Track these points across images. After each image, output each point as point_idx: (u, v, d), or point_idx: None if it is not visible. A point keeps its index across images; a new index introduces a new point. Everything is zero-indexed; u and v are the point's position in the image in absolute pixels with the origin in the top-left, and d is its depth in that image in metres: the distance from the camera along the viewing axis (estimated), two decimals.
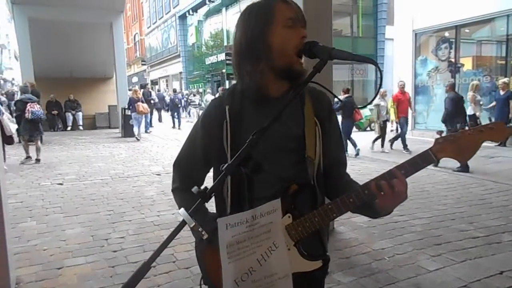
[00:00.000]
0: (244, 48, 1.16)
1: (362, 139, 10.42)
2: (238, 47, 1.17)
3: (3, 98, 17.30)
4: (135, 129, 12.34)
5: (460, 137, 1.02)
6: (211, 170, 1.26)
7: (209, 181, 1.16)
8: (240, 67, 1.18)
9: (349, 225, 4.13)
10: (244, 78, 1.17)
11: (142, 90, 16.23)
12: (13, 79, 37.89)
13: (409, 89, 12.17)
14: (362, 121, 13.86)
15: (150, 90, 18.17)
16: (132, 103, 12.30)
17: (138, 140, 12.15)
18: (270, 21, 1.12)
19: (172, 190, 1.32)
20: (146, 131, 14.37)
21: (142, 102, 12.54)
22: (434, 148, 1.04)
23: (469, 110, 9.86)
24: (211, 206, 1.22)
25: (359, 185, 1.10)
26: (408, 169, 1.04)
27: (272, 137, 1.13)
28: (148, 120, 14.89)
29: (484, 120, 9.84)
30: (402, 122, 9.10)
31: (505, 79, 9.67)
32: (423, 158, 1.04)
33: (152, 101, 15.81)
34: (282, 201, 1.08)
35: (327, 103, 1.25)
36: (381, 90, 9.35)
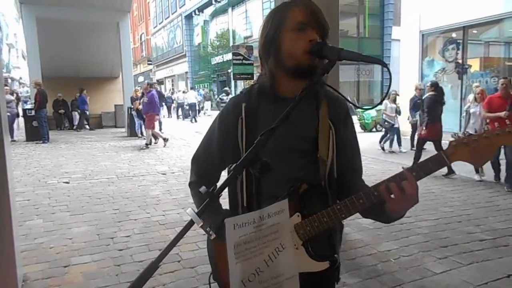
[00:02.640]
0: (261, 50, 1.22)
1: (367, 140, 10.39)
2: (259, 48, 1.24)
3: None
4: (137, 128, 12.58)
5: (475, 140, 0.99)
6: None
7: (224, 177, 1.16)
8: (260, 67, 1.25)
9: (355, 226, 4.11)
10: (260, 78, 1.23)
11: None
12: (20, 78, 38.22)
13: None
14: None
15: (158, 88, 18.08)
16: (131, 102, 12.54)
17: (144, 139, 12.23)
18: (282, 25, 1.16)
19: (189, 184, 1.34)
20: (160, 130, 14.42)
21: None
22: (448, 150, 1.01)
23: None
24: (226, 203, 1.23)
25: (369, 187, 1.09)
26: (419, 171, 1.02)
27: (284, 137, 1.14)
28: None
29: None
30: None
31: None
32: (436, 161, 1.02)
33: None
34: (292, 200, 1.08)
35: (343, 108, 1.25)
36: (477, 89, 6.85)
